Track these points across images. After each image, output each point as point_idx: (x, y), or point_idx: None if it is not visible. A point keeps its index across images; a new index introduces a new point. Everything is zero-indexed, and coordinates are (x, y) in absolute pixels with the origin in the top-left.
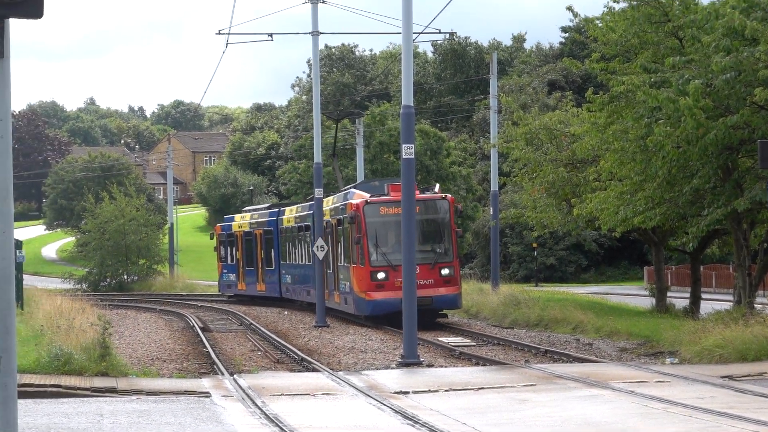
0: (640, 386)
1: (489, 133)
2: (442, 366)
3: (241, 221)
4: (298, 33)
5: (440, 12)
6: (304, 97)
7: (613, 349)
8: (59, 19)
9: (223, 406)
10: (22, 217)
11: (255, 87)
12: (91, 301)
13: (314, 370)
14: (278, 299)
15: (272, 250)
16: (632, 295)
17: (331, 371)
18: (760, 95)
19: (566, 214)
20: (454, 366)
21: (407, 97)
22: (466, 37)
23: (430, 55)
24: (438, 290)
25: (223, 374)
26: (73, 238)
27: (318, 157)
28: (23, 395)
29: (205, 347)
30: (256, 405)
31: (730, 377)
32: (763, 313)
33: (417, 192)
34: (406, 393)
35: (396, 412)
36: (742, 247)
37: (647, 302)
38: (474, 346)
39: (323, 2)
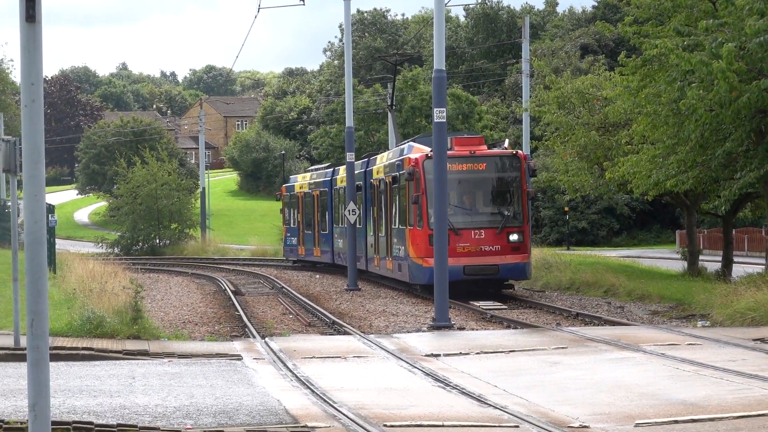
0: (672, 349)
1: (521, 97)
2: (473, 329)
3: (302, 181)
4: None
5: None
6: (335, 62)
7: (644, 312)
8: None
9: (254, 369)
10: (54, 181)
11: (287, 52)
12: (123, 265)
13: (345, 333)
14: (331, 266)
15: (327, 213)
16: (664, 258)
17: (362, 334)
18: None
19: (598, 178)
20: (485, 329)
21: (439, 62)
22: (498, 1)
23: (462, 19)
24: (505, 258)
25: (254, 337)
26: (106, 203)
27: (350, 121)
28: (55, 358)
29: (237, 311)
30: (287, 367)
31: (762, 340)
32: None
33: (484, 147)
34: (437, 356)
35: (427, 374)
36: None
37: (679, 266)
38: (505, 309)
39: None
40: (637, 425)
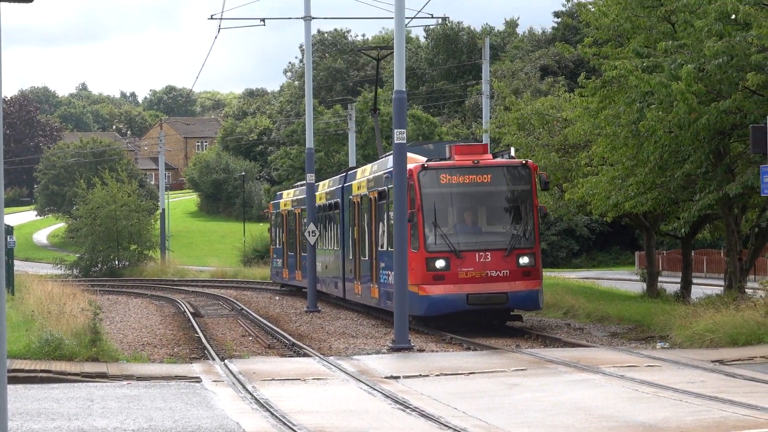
0: (631, 371)
1: (481, 118)
2: (433, 351)
3: (287, 198)
4: (290, 18)
5: None
6: (296, 83)
7: (604, 333)
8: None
9: (213, 391)
10: (13, 202)
11: (247, 72)
12: (81, 287)
13: (305, 355)
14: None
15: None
16: (623, 279)
17: (321, 356)
18: (753, 80)
19: (558, 199)
20: (445, 351)
21: (399, 82)
22: (458, 22)
23: (422, 40)
24: (514, 285)
25: (213, 359)
26: (65, 224)
27: (310, 142)
28: (13, 381)
29: (196, 332)
30: (247, 390)
31: (721, 361)
32: (753, 298)
33: (489, 156)
34: (397, 378)
35: (386, 396)
36: (733, 232)
37: (638, 287)
38: (465, 330)
39: None
40: None
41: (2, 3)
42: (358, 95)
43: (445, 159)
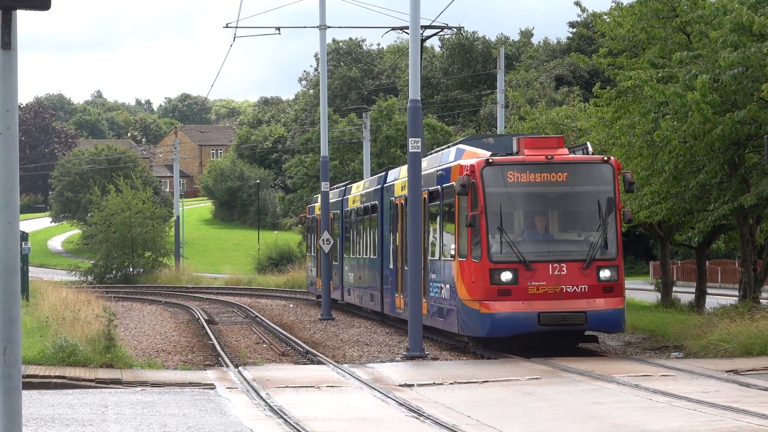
0: (645, 380)
1: (496, 127)
2: (447, 359)
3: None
4: (305, 27)
5: (448, 6)
6: (311, 91)
7: (618, 343)
8: (68, 12)
9: (227, 398)
10: (28, 209)
11: (262, 81)
12: (96, 293)
13: (319, 362)
14: (341, 304)
15: (338, 239)
16: (638, 289)
17: (335, 364)
18: (767, 91)
19: None
20: (458, 359)
21: (414, 91)
22: (473, 32)
23: (437, 49)
24: (594, 302)
25: (227, 366)
26: (79, 231)
27: (324, 150)
28: (28, 386)
29: (210, 339)
30: (261, 397)
31: (735, 371)
32: None
33: (565, 150)
34: (411, 386)
35: (400, 404)
36: (748, 243)
37: (653, 297)
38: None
39: None
40: None
41: (19, 10)
42: (372, 104)
43: (512, 154)
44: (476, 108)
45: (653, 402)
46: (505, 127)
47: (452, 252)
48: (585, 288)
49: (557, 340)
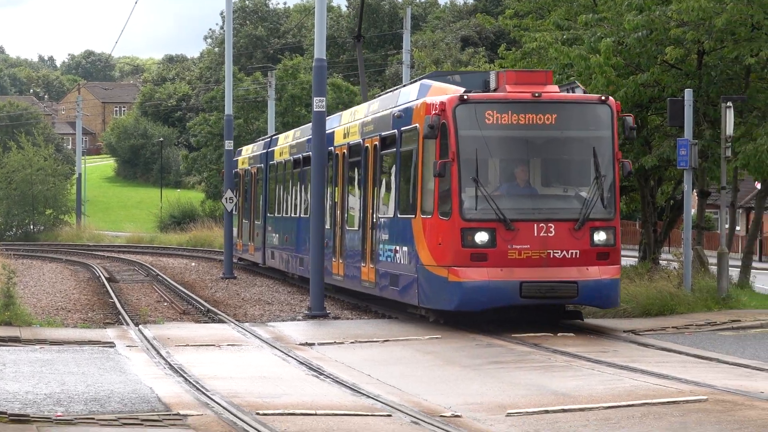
0: (545, 340)
1: None
2: (348, 318)
3: (245, 155)
4: None
5: None
6: (216, 49)
7: None
8: None
9: (127, 356)
10: None
11: (167, 38)
12: None
13: (220, 321)
14: (262, 268)
15: (261, 197)
16: None
17: (237, 322)
18: (671, 54)
19: None
20: (360, 318)
21: (320, 51)
22: None
23: (344, 9)
24: (587, 271)
25: (128, 324)
26: None
27: (229, 109)
28: None
29: (111, 298)
30: (161, 355)
31: (634, 331)
32: (667, 269)
33: (555, 88)
34: (312, 345)
35: (301, 363)
36: (649, 204)
37: None
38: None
39: None
40: (508, 414)
41: None
42: (278, 63)
43: (490, 90)
44: (382, 68)
45: (552, 362)
46: None
47: (413, 208)
48: (576, 253)
49: (533, 315)
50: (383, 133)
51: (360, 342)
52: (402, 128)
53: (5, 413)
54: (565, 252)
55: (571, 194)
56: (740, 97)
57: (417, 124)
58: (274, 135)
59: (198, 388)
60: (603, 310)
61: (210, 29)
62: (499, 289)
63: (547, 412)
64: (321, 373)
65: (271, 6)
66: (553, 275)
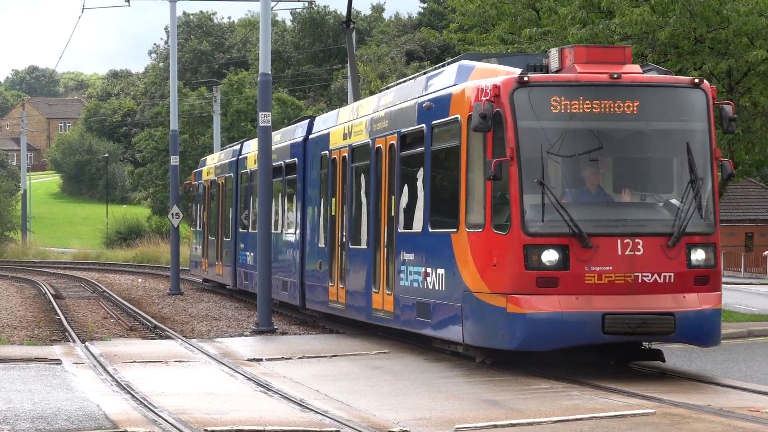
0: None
1: (347, 102)
2: (296, 334)
3: (211, 164)
4: None
5: None
6: (161, 64)
7: None
8: None
9: (74, 374)
10: None
11: (111, 53)
12: None
13: (167, 337)
14: (231, 290)
15: (230, 210)
16: None
17: (184, 338)
18: None
19: None
20: (308, 333)
21: (265, 65)
22: (325, 6)
23: (289, 23)
24: (684, 300)
25: (74, 341)
26: None
27: (174, 124)
28: None
29: (57, 314)
30: (108, 372)
31: None
32: None
33: (636, 68)
34: (260, 360)
35: (249, 379)
36: None
37: None
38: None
39: None
40: (457, 429)
41: None
42: (223, 78)
43: (556, 70)
44: (327, 82)
45: (500, 377)
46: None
47: (453, 220)
48: (670, 277)
49: (606, 356)
50: (404, 130)
51: (308, 357)
52: (434, 122)
53: None
54: (656, 275)
55: (660, 202)
56: None
57: (458, 115)
58: (246, 140)
59: (145, 405)
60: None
61: (154, 44)
62: (575, 323)
63: (495, 426)
64: (269, 389)
65: (215, 21)
66: (644, 305)
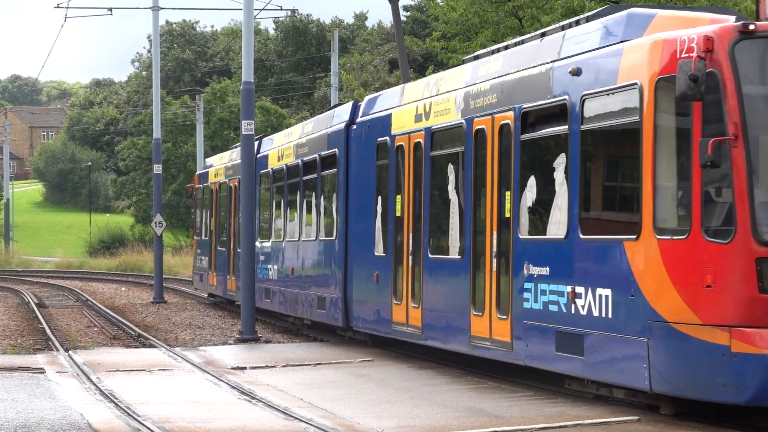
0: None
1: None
2: (280, 342)
3: (219, 165)
4: (138, 8)
5: None
6: (144, 73)
7: None
8: None
9: (57, 382)
10: None
11: (94, 62)
12: None
13: (151, 346)
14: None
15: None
16: None
17: (168, 347)
18: None
19: None
20: (292, 342)
21: (248, 74)
22: (308, 15)
23: (272, 32)
24: None
25: (58, 350)
26: None
27: (157, 132)
28: None
29: (41, 323)
30: (91, 381)
31: None
32: None
33: None
34: (244, 369)
35: (232, 387)
36: None
37: None
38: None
39: None
40: None
41: None
42: (206, 86)
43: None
44: (310, 91)
45: (484, 384)
46: None
47: (630, 222)
48: None
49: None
50: (528, 105)
51: (292, 365)
52: (586, 92)
53: None
54: None
55: None
56: None
57: (636, 80)
58: (263, 136)
59: (129, 414)
60: None
61: (137, 53)
62: None
63: None
64: (253, 397)
65: (198, 29)
66: None
